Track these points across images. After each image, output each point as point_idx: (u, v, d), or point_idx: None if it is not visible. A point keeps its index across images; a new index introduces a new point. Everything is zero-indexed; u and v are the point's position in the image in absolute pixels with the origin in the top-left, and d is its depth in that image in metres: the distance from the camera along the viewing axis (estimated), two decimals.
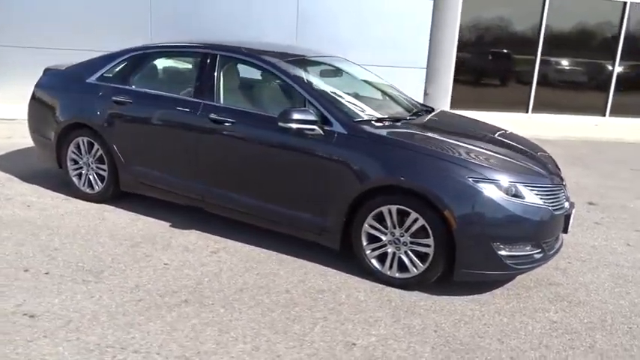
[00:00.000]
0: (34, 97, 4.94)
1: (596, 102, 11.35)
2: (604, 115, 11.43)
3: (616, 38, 11.05)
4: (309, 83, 3.87)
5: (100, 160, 4.57)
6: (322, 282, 3.56)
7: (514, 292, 3.61)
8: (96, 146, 4.55)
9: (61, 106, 4.70)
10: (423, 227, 3.38)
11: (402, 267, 3.51)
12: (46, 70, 5.03)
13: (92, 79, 4.60)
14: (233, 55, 4.15)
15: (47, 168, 5.23)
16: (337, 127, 3.61)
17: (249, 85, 4.41)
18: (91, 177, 4.66)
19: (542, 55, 10.85)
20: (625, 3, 10.88)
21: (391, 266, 3.54)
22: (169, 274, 3.52)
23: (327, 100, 3.75)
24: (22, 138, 6.62)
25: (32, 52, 8.44)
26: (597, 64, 11.29)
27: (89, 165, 4.64)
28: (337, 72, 4.48)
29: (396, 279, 3.53)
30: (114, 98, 4.39)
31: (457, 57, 10.45)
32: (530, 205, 3.34)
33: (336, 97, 3.86)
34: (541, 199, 3.40)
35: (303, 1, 9.16)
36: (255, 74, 4.28)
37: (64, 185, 4.92)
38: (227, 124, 3.90)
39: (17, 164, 5.67)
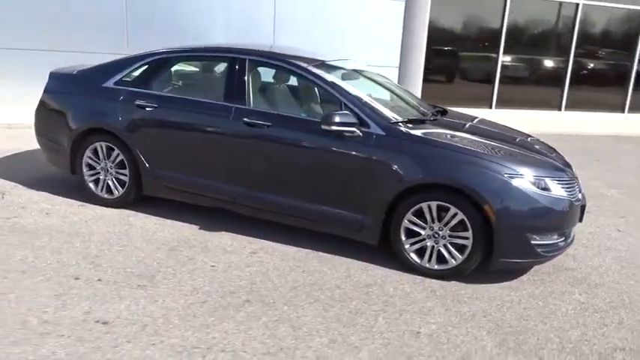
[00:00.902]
0: (43, 102, 4.84)
1: (552, 97, 12.07)
2: (560, 110, 12.17)
3: (570, 37, 11.79)
4: (343, 87, 4.02)
5: (121, 165, 4.54)
6: (366, 277, 3.74)
7: (538, 279, 3.92)
8: (116, 151, 4.52)
9: (76, 111, 4.64)
10: (461, 221, 3.62)
11: (440, 259, 3.74)
12: (53, 75, 4.93)
13: (109, 84, 4.56)
14: (263, 59, 4.25)
15: (50, 173, 5.15)
16: (375, 129, 3.79)
17: (279, 89, 4.51)
18: (109, 182, 4.62)
19: (503, 53, 11.43)
20: (577, 4, 11.62)
21: (430, 259, 3.76)
22: (220, 275, 3.60)
23: (362, 103, 3.92)
24: (16, 143, 6.43)
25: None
26: (553, 61, 12.00)
27: (107, 170, 4.60)
28: (355, 74, 4.65)
29: (435, 270, 3.76)
30: (137, 102, 4.38)
31: (426, 56, 10.83)
32: (557, 198, 3.65)
33: (369, 99, 4.03)
34: (565, 191, 3.72)
35: (279, 5, 9.24)
36: (281, 79, 4.37)
37: (74, 190, 4.86)
38: (263, 127, 4.00)
39: (18, 170, 5.51)
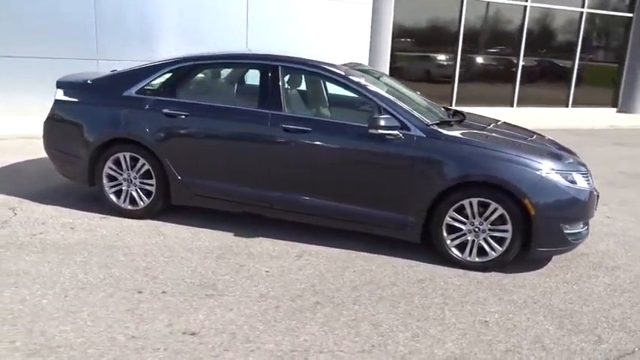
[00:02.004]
0: (55, 114, 4.67)
1: (505, 94, 12.79)
2: (512, 106, 12.90)
3: (520, 37, 12.53)
4: (380, 92, 4.17)
5: (146, 175, 4.46)
6: (414, 273, 3.92)
7: (563, 265, 4.24)
8: (141, 161, 4.44)
9: (96, 121, 4.51)
10: (501, 215, 3.87)
11: (480, 252, 3.97)
12: (63, 84, 4.75)
13: (130, 93, 4.47)
14: (297, 66, 4.32)
15: (57, 185, 5.04)
16: (415, 131, 3.97)
17: (312, 95, 4.59)
18: (134, 193, 4.52)
19: (462, 53, 11.98)
20: (525, 6, 12.36)
21: (470, 252, 3.99)
22: (278, 280, 3.65)
23: (400, 107, 4.08)
24: (10, 155, 6.11)
25: None
26: (506, 59, 12.72)
27: (131, 181, 4.51)
28: (378, 79, 4.80)
29: (476, 263, 3.99)
30: (165, 111, 4.33)
31: (391, 57, 11.18)
32: (582, 189, 3.98)
33: (404, 103, 4.20)
34: (586, 183, 4.06)
35: (251, 13, 9.25)
36: (314, 84, 4.46)
37: (88, 203, 4.76)
38: (303, 132, 4.08)
39: (19, 185, 5.26)
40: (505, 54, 12.72)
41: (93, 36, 8.41)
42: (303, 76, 4.51)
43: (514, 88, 12.82)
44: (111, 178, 4.55)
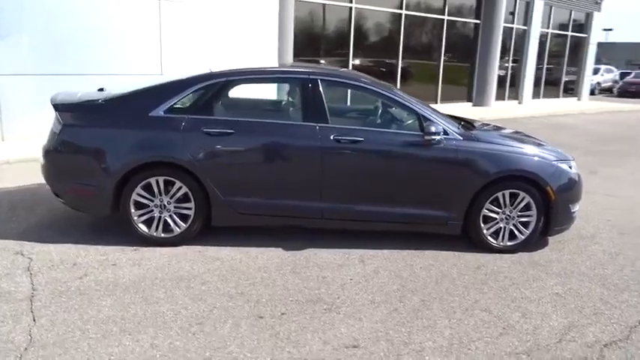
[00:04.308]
0: (64, 141, 4.18)
1: None
2: None
3: (398, 42, 13.73)
4: (417, 101, 4.53)
5: (182, 199, 4.25)
6: (466, 262, 4.36)
7: (561, 240, 4.99)
8: (177, 184, 4.21)
9: (120, 146, 4.15)
10: (527, 203, 4.50)
11: (511, 236, 4.57)
12: (65, 107, 4.28)
13: (158, 113, 4.21)
14: (337, 79, 4.47)
15: (55, 219, 4.55)
16: (454, 136, 4.41)
17: (351, 106, 4.74)
18: (168, 219, 4.27)
19: (353, 56, 12.77)
20: (401, 14, 13.59)
21: (503, 238, 4.56)
22: (369, 286, 3.82)
23: (439, 114, 4.49)
24: None
25: None
26: (388, 62, 13.84)
27: (164, 206, 4.25)
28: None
29: (508, 246, 4.57)
30: (206, 130, 4.17)
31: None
32: (577, 174, 4.79)
33: (434, 109, 4.61)
34: (576, 169, 4.89)
35: (164, 24, 8.90)
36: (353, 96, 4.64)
37: (97, 235, 4.43)
38: (355, 142, 4.26)
39: (4, 223, 4.56)
40: (387, 57, 13.83)
41: None
42: (341, 88, 4.66)
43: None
44: (140, 206, 4.23)
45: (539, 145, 4.81)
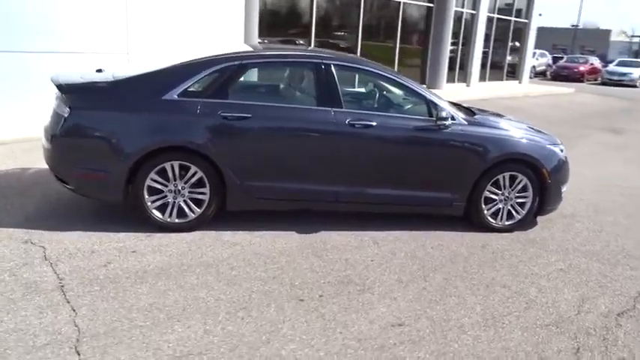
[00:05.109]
0: (74, 124, 4.02)
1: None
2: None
3: (358, 23, 13.85)
4: (424, 88, 4.66)
5: (197, 184, 4.21)
6: (471, 241, 4.59)
7: (546, 220, 5.32)
8: (192, 169, 4.16)
9: (134, 129, 4.05)
10: (524, 185, 4.78)
11: (508, 216, 4.84)
12: (72, 88, 4.11)
13: (172, 96, 4.12)
14: (349, 64, 4.52)
15: (56, 205, 4.38)
16: (459, 120, 4.60)
17: (364, 91, 4.79)
18: (182, 204, 4.22)
19: (315, 37, 12.76)
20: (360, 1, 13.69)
21: (501, 217, 4.83)
22: (389, 266, 3.96)
23: (442, 100, 4.65)
24: None
25: None
26: (349, 44, 13.93)
27: (179, 191, 4.20)
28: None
29: (506, 226, 4.85)
30: (222, 114, 4.13)
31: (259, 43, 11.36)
32: (566, 157, 5.11)
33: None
34: (565, 153, 5.22)
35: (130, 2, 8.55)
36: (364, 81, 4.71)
37: (108, 222, 4.29)
38: (368, 127, 4.35)
39: (4, 209, 4.34)
40: (347, 39, 13.90)
41: None
42: (353, 73, 4.71)
43: None
44: (154, 192, 4.15)
45: (533, 129, 5.09)
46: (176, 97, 4.12)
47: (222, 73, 4.24)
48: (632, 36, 75.41)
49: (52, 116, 4.19)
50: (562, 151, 5.01)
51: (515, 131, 4.81)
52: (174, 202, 4.20)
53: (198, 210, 4.25)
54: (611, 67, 30.55)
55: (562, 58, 33.92)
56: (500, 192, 4.75)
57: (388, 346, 2.93)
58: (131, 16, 8.60)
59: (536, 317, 3.37)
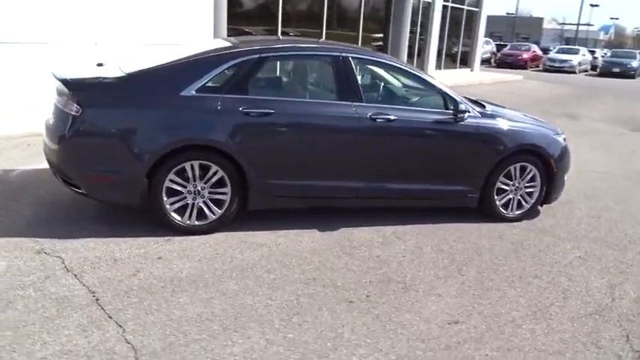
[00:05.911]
0: (87, 122, 3.74)
1: None
2: None
3: (322, 15, 13.73)
4: (439, 81, 4.64)
5: (217, 184, 4.03)
6: (488, 232, 4.64)
7: (553, 210, 5.45)
8: (213, 168, 3.98)
9: (151, 128, 3.82)
10: (533, 175, 4.88)
11: (518, 206, 4.94)
12: (81, 83, 3.83)
13: (189, 92, 3.91)
14: (366, 57, 4.45)
15: (55, 209, 4.12)
16: (474, 113, 4.63)
17: (380, 84, 4.70)
18: (202, 205, 4.04)
19: (282, 26, 12.54)
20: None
21: (512, 208, 4.92)
22: (421, 262, 3.95)
23: (455, 93, 4.65)
24: None
25: None
26: (314, 32, 13.78)
27: (199, 192, 4.01)
28: None
29: (516, 215, 4.94)
30: (244, 110, 3.96)
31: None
32: (568, 146, 5.26)
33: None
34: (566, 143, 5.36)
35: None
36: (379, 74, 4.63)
37: (118, 227, 4.04)
38: (390, 121, 4.30)
39: (6, 216, 4.00)
40: (313, 28, 13.74)
41: None
42: (370, 66, 4.61)
43: None
44: (172, 193, 3.94)
45: (539, 120, 5.19)
46: (194, 92, 3.91)
47: (241, 67, 4.06)
48: (563, 23, 79.04)
49: (56, 114, 3.89)
50: (564, 140, 5.14)
51: (525, 122, 4.89)
52: (194, 203, 4.01)
53: (219, 211, 4.07)
54: (552, 54, 31.87)
55: (506, 45, 35.00)
56: (511, 182, 4.82)
57: (453, 345, 2.91)
58: (99, 5, 8.14)
59: (577, 307, 3.44)
